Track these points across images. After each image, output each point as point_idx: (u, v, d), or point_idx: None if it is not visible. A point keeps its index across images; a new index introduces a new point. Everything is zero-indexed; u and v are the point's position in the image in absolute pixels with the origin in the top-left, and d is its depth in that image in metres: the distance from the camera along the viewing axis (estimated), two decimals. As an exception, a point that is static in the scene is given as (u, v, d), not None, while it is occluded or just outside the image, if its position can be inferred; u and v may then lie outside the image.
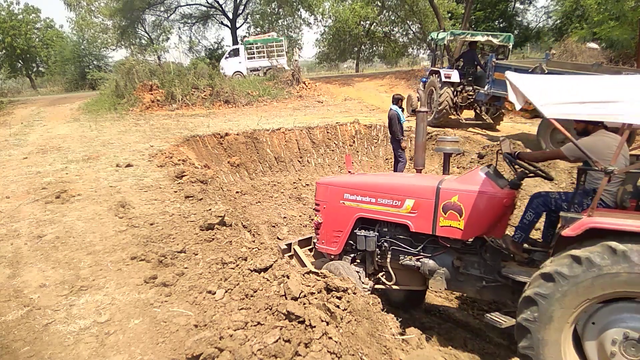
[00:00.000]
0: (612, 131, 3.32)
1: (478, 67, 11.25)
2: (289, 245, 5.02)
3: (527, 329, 3.03)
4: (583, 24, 21.55)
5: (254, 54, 24.66)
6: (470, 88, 11.08)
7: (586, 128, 3.38)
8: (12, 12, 33.61)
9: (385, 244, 4.17)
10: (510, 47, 11.12)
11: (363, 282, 4.23)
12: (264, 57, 24.52)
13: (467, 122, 11.56)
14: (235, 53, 25.12)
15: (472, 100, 11.10)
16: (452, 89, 10.96)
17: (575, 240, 2.91)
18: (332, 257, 4.54)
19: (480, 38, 11.12)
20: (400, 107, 8.22)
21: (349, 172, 4.85)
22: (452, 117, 11.47)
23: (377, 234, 4.20)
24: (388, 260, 4.17)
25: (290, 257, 4.94)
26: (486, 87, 10.03)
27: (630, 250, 2.66)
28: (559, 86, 3.07)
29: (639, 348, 2.78)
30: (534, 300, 2.99)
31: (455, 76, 10.86)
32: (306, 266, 4.64)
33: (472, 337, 3.91)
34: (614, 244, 2.74)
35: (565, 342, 3.01)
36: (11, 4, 33.47)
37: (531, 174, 3.72)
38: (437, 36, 11.99)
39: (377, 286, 4.39)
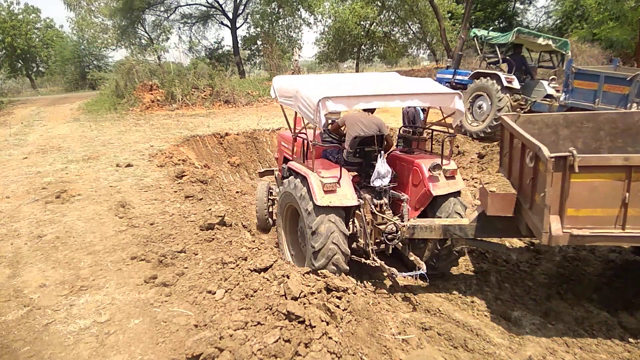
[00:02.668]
0: (367, 111, 4.80)
1: (526, 74, 9.92)
2: (268, 170, 7.61)
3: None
4: (583, 24, 21.52)
5: None
6: (519, 97, 9.34)
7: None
8: (12, 12, 33.59)
9: None
10: (569, 55, 9.58)
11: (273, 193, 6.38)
12: None
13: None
14: None
15: (526, 111, 8.98)
16: (511, 96, 9.15)
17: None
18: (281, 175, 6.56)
19: (541, 41, 9.55)
20: None
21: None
22: None
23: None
24: None
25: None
26: (562, 97, 8.58)
27: (289, 181, 4.62)
28: (284, 84, 5.01)
29: (304, 239, 4.34)
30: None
31: (516, 82, 9.15)
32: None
33: (472, 337, 3.90)
34: (290, 177, 4.68)
35: (286, 239, 5.05)
36: (11, 4, 33.48)
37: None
38: (489, 34, 10.00)
39: None
